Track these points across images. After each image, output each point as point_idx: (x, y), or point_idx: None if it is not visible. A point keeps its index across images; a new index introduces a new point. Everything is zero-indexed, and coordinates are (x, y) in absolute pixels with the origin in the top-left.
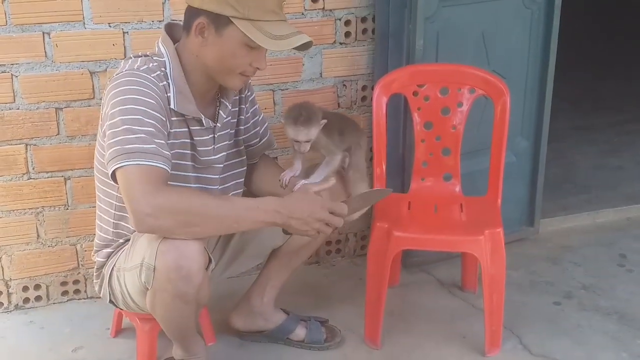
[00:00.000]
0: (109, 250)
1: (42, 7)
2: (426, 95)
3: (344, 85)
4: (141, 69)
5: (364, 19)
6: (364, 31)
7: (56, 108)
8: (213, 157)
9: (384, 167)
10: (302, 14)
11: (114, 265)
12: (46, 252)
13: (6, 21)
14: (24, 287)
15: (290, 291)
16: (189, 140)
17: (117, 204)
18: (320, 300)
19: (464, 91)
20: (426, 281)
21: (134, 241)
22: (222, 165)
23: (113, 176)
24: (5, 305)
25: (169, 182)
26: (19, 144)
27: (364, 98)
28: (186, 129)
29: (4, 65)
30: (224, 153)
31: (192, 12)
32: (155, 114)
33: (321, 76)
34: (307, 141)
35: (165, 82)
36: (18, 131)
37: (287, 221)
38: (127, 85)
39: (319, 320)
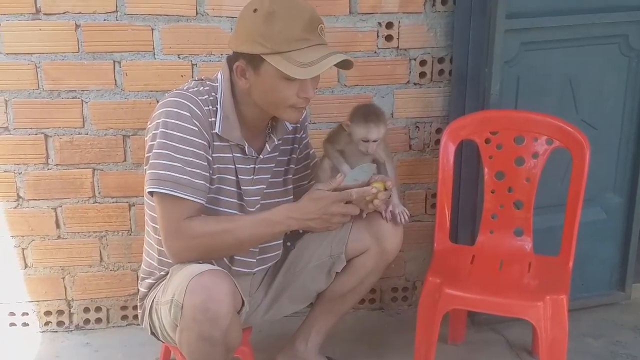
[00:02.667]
0: (151, 281)
1: (114, 36)
2: (499, 143)
3: (417, 127)
4: (190, 90)
5: (441, 60)
6: (441, 72)
7: (123, 135)
8: (250, 188)
9: (447, 216)
10: (375, 52)
11: (154, 297)
12: (108, 275)
13: (78, 48)
14: (85, 308)
15: (345, 337)
16: (233, 167)
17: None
18: (375, 349)
19: (541, 141)
20: (494, 341)
21: (171, 275)
22: (258, 198)
23: (150, 194)
24: (67, 324)
25: (209, 207)
26: (87, 168)
27: (437, 141)
28: (230, 155)
29: (75, 91)
30: (263, 186)
31: (231, 57)
32: (196, 140)
33: (392, 116)
34: (377, 140)
35: (211, 107)
36: (86, 156)
37: (305, 224)
38: (172, 107)
39: None
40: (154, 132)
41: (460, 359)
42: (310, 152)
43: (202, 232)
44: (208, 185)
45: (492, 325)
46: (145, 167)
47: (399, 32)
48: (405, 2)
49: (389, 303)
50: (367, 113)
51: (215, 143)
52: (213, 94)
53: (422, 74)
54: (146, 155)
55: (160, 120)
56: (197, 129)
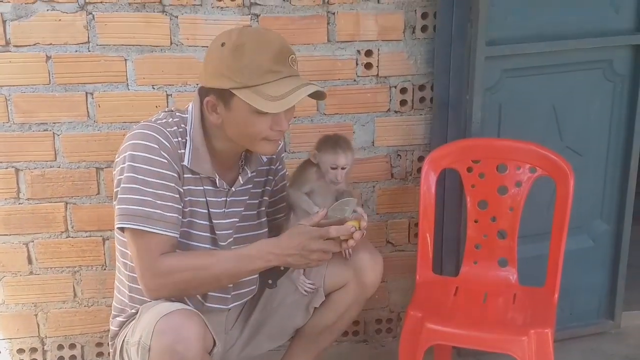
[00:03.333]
0: (121, 319)
1: (86, 67)
2: (481, 172)
3: (398, 155)
4: (158, 122)
5: (421, 87)
6: (422, 99)
7: (97, 168)
8: (222, 222)
9: (429, 247)
10: (354, 80)
11: (124, 337)
12: (82, 311)
13: (49, 80)
14: (59, 345)
15: None
16: (204, 199)
17: (130, 264)
18: None
19: (524, 169)
20: None
21: (140, 314)
22: (231, 231)
23: (121, 230)
24: None
25: (181, 241)
26: (59, 202)
27: (420, 169)
28: (201, 188)
29: (46, 123)
30: (235, 219)
31: (201, 91)
32: (166, 172)
33: (373, 145)
34: (345, 167)
35: (180, 139)
36: (58, 189)
37: (284, 259)
38: (139, 139)
39: None
40: (121, 165)
41: None
42: (287, 184)
43: (178, 268)
44: (181, 218)
45: (478, 357)
46: (114, 203)
47: (378, 60)
48: (384, 30)
49: (373, 335)
50: (335, 140)
51: (185, 175)
52: (183, 125)
53: (403, 102)
54: (115, 189)
55: (127, 154)
56: (166, 161)
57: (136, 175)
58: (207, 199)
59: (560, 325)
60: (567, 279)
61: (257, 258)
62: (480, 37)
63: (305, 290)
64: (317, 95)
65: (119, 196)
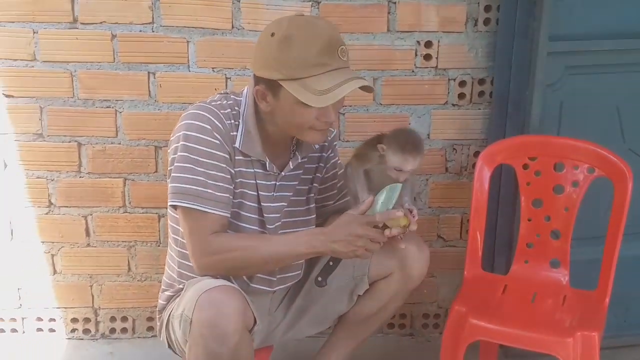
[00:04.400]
0: (169, 293)
1: (150, 47)
2: (537, 169)
3: (454, 149)
4: (212, 103)
5: (481, 81)
6: (481, 94)
7: (155, 146)
8: (271, 205)
9: (479, 243)
10: (413, 71)
11: (171, 310)
12: (135, 285)
13: (114, 58)
14: (111, 317)
15: None
16: (254, 182)
17: (181, 240)
18: None
19: (582, 169)
20: None
21: (185, 289)
22: (279, 215)
23: (173, 207)
24: (92, 332)
25: (231, 221)
26: (118, 177)
27: (475, 165)
28: (251, 170)
29: (109, 100)
30: (284, 203)
31: (253, 80)
32: (218, 153)
33: (429, 137)
34: (412, 171)
35: (233, 121)
36: (118, 165)
37: (330, 246)
38: (193, 119)
39: None
40: (175, 144)
41: None
42: (339, 172)
43: (228, 247)
44: (231, 198)
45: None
46: (168, 180)
47: (438, 52)
48: (445, 21)
49: (420, 329)
50: (406, 143)
51: (236, 157)
52: (236, 108)
53: (462, 95)
54: (169, 168)
55: (181, 133)
56: (218, 141)
57: (189, 155)
58: (257, 181)
59: (614, 332)
60: (622, 285)
61: (303, 243)
62: (543, 31)
63: None
64: (364, 89)
65: (172, 174)
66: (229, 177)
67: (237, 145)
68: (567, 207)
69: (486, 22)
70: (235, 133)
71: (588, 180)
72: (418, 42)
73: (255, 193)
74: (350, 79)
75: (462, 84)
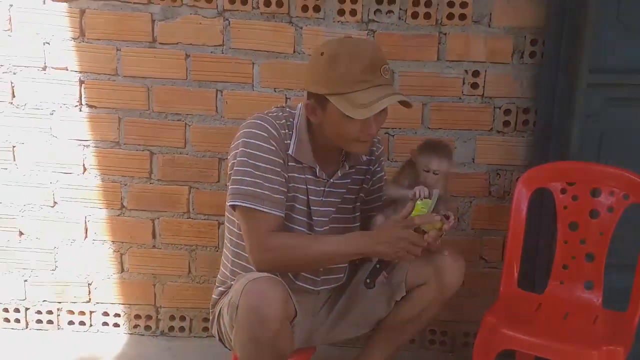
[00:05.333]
0: (222, 289)
1: (219, 67)
2: (575, 194)
3: (498, 174)
4: (269, 114)
5: (525, 110)
6: (525, 122)
7: (219, 158)
8: (319, 209)
9: (515, 261)
10: (460, 98)
11: (222, 305)
12: (194, 287)
13: (187, 76)
14: (171, 315)
15: None
16: (304, 187)
17: (236, 240)
18: None
19: (617, 196)
20: None
21: (235, 282)
22: (327, 219)
23: (231, 208)
24: (153, 329)
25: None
26: (184, 185)
27: None
28: (303, 176)
29: (180, 114)
30: (332, 209)
31: (305, 95)
32: (274, 158)
33: (473, 162)
34: (438, 171)
35: (288, 131)
36: (184, 174)
37: (375, 247)
38: (252, 128)
39: None
40: (235, 151)
41: None
42: (384, 187)
43: (284, 245)
44: (285, 200)
45: None
46: (227, 184)
47: (484, 81)
48: (492, 53)
49: (460, 347)
50: (435, 145)
51: (290, 163)
52: (291, 119)
53: (506, 123)
54: (229, 172)
55: (240, 140)
56: (274, 148)
57: (248, 160)
58: (308, 186)
59: None
60: None
61: (351, 244)
62: (584, 64)
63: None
64: (403, 104)
65: (232, 177)
66: (283, 180)
67: (290, 152)
68: (602, 231)
69: (532, 54)
70: (289, 141)
71: (622, 206)
72: (466, 71)
73: (306, 197)
74: (390, 94)
75: (507, 112)
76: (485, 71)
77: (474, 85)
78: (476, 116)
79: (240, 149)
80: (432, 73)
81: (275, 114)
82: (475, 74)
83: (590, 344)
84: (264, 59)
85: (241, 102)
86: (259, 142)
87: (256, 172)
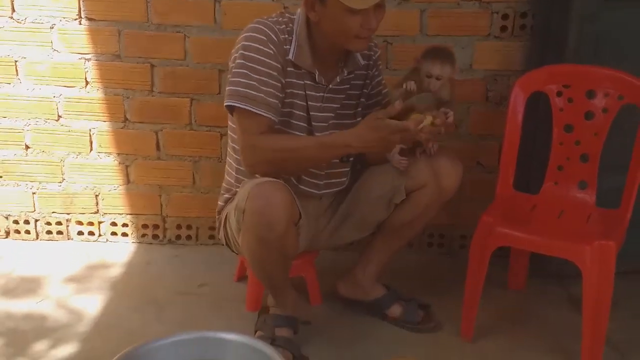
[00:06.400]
0: (227, 196)
1: None
2: (570, 96)
3: (495, 79)
4: (269, 19)
5: (523, 15)
6: (522, 27)
7: (219, 70)
8: (318, 114)
9: (511, 162)
10: (458, 4)
11: (228, 211)
12: (199, 197)
13: None
14: (177, 225)
15: (407, 274)
16: (303, 92)
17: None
18: (431, 287)
19: (612, 97)
20: (555, 294)
21: (241, 187)
22: (326, 124)
23: (228, 108)
24: (160, 238)
25: (280, 128)
26: (185, 97)
27: None
28: (302, 82)
29: (179, 26)
30: (330, 114)
31: None
32: (272, 62)
33: (471, 67)
34: (440, 77)
35: (287, 36)
36: (185, 86)
37: (363, 150)
38: (252, 32)
39: (421, 303)
40: (234, 55)
41: (514, 303)
42: (383, 91)
43: (272, 147)
44: (280, 104)
45: (560, 280)
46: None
47: None
48: None
49: (457, 249)
50: (437, 51)
51: (288, 69)
52: (290, 25)
53: (504, 28)
54: (228, 76)
55: (240, 44)
56: (272, 52)
57: (246, 62)
58: (307, 92)
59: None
60: None
61: (338, 147)
62: None
63: (402, 166)
64: None
65: (229, 79)
66: (279, 85)
67: (289, 57)
68: (597, 132)
69: None
70: (288, 46)
71: (617, 107)
72: None
73: (305, 103)
74: None
75: (505, 17)
76: None
77: None
78: (474, 21)
79: (239, 53)
80: None
81: (275, 19)
82: None
83: (584, 239)
84: None
85: (241, 11)
86: (257, 46)
87: (253, 75)
